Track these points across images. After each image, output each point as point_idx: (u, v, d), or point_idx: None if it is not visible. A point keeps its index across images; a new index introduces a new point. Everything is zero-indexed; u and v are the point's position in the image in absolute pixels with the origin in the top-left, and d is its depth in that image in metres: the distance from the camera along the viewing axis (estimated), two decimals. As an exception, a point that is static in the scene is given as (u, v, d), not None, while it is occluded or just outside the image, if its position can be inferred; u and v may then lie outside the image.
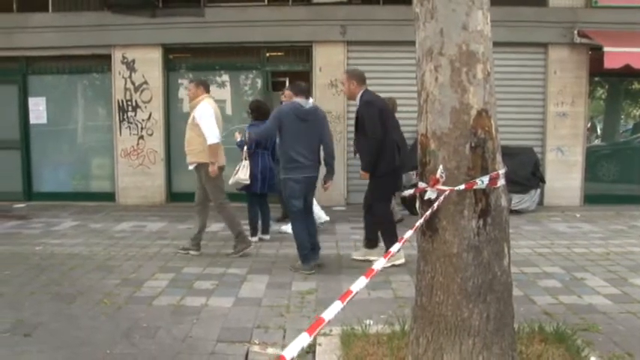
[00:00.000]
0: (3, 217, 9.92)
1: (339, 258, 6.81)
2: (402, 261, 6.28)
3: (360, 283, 2.16)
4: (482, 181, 3.03)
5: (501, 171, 3.13)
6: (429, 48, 3.13)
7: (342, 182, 10.80)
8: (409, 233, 2.84)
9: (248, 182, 7.17)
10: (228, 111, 11.50)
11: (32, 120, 11.52)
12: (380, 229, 6.50)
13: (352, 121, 10.61)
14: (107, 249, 7.20)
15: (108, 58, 11.15)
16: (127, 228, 8.77)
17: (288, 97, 7.07)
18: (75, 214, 9.81)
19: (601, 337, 4.23)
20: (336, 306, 1.98)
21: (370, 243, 6.65)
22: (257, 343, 4.25)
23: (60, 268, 6.43)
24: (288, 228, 8.07)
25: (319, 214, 8.19)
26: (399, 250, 6.20)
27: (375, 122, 6.18)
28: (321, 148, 6.48)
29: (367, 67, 10.69)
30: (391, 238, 6.10)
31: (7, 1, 11.26)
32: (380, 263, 2.35)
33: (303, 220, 6.31)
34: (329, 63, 10.75)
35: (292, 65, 11.43)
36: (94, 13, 10.97)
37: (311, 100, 6.58)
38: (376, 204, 6.46)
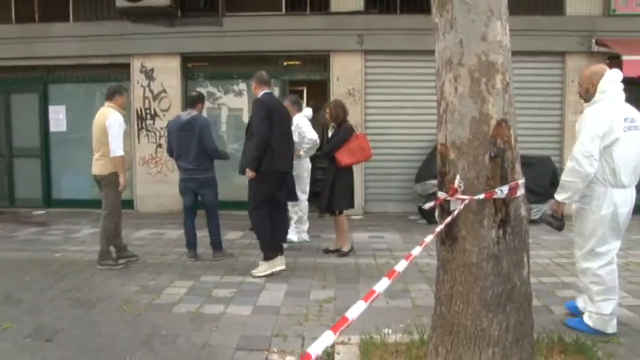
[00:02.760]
0: (23, 223, 10.06)
1: (357, 266, 6.82)
2: (282, 267, 6.46)
3: (382, 284, 2.18)
4: (501, 191, 3.05)
5: (520, 181, 3.15)
6: (449, 58, 3.16)
7: (359, 191, 10.80)
8: (430, 238, 2.86)
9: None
10: (246, 119, 11.57)
11: (52, 128, 11.71)
12: (257, 233, 6.57)
13: (371, 130, 10.77)
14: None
15: (127, 66, 11.30)
16: (146, 235, 8.88)
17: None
18: (94, 221, 9.89)
19: (622, 349, 4.18)
20: (360, 306, 2.00)
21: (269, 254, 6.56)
22: (275, 351, 4.27)
23: (80, 274, 6.51)
24: (293, 236, 8.12)
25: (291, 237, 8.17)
26: (276, 257, 6.39)
27: (261, 120, 6.28)
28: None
29: (384, 77, 10.83)
30: (268, 245, 6.43)
31: (29, 11, 11.48)
32: (402, 265, 2.36)
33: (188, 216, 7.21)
34: (346, 72, 10.80)
35: (310, 74, 11.52)
36: (113, 23, 11.12)
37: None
38: (255, 209, 6.49)
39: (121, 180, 6.80)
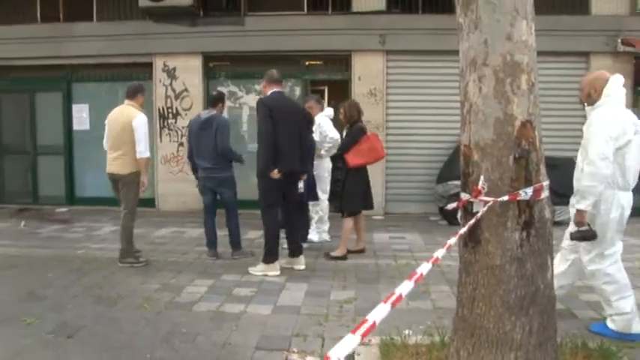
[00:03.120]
0: (46, 220, 10.18)
1: (377, 267, 6.79)
2: (277, 273, 6.42)
3: (406, 287, 2.15)
4: (525, 193, 3.01)
5: (545, 182, 3.11)
6: (473, 58, 3.13)
7: (380, 191, 10.77)
8: (453, 240, 2.83)
9: (302, 191, 7.23)
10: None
11: (75, 126, 11.86)
12: (264, 233, 6.55)
13: (392, 131, 10.74)
14: (147, 254, 7.27)
15: (149, 65, 11.39)
16: (167, 234, 8.95)
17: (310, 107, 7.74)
18: (115, 218, 9.90)
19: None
20: (384, 309, 1.97)
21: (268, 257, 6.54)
22: (295, 351, 4.27)
23: (101, 272, 6.57)
24: (314, 236, 8.12)
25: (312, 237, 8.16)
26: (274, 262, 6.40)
27: (262, 119, 6.28)
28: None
29: (406, 77, 10.79)
30: (271, 248, 6.43)
31: (54, 11, 11.62)
32: (426, 267, 2.34)
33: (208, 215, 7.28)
34: (368, 72, 10.78)
35: (331, 74, 11.51)
36: (136, 22, 11.22)
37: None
38: (264, 209, 6.50)
39: (145, 180, 6.85)
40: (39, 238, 8.73)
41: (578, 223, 4.35)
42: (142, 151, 6.72)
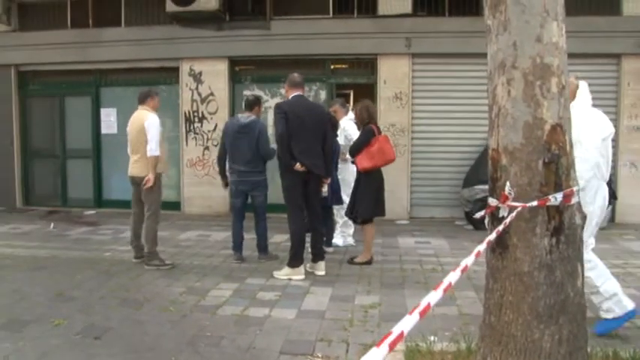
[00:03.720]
0: (75, 223, 10.30)
1: (403, 272, 6.73)
2: (301, 277, 6.37)
3: (434, 296, 2.09)
4: (555, 198, 2.93)
5: (575, 188, 3.03)
6: (502, 61, 3.06)
7: (405, 195, 10.71)
8: (482, 247, 2.76)
9: (326, 194, 7.22)
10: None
11: (103, 130, 12.00)
12: (291, 239, 6.52)
13: (418, 134, 10.66)
14: (172, 257, 7.33)
15: (176, 70, 11.48)
16: (193, 237, 8.97)
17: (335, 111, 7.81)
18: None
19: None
20: (413, 318, 1.92)
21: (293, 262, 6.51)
22: (320, 356, 4.22)
23: (127, 274, 6.61)
24: (338, 240, 8.08)
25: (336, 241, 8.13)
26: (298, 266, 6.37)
27: (277, 121, 6.36)
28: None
29: (433, 80, 10.71)
30: (296, 253, 6.41)
31: (83, 17, 11.77)
32: (455, 276, 2.28)
33: (237, 217, 7.31)
34: (394, 75, 10.73)
35: (357, 77, 11.47)
36: (163, 27, 11.31)
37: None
38: (290, 214, 6.51)
39: (151, 177, 6.85)
40: (68, 240, 8.83)
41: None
42: (152, 149, 6.82)
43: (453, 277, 2.25)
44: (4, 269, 6.89)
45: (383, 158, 6.94)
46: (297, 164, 6.26)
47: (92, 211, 11.72)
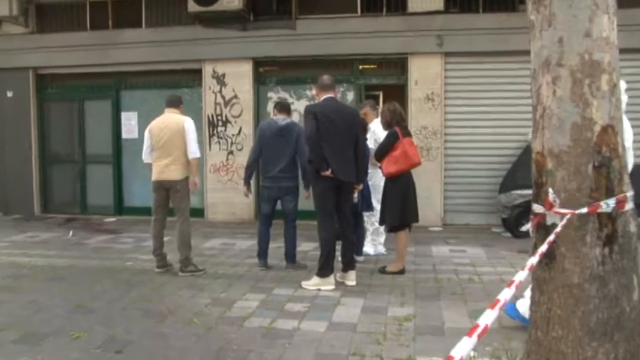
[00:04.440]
0: (95, 231, 10.38)
1: (438, 282, 6.64)
2: (331, 287, 6.32)
3: (490, 316, 2.00)
4: (607, 204, 2.85)
5: (629, 193, 2.94)
6: (546, 58, 2.99)
7: (438, 201, 10.60)
8: (535, 260, 2.67)
9: (357, 201, 7.17)
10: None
11: (124, 134, 12.09)
12: (321, 247, 6.46)
13: (451, 137, 10.56)
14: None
15: (198, 72, 11.53)
16: (217, 245, 8.98)
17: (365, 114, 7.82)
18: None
19: None
20: (466, 343, 1.85)
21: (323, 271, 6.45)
22: (352, 371, 4.18)
23: (149, 284, 6.62)
24: (369, 249, 8.02)
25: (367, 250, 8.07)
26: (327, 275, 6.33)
27: (307, 123, 6.31)
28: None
29: (466, 80, 10.60)
30: (325, 262, 6.35)
31: (103, 18, 11.89)
32: (508, 293, 2.20)
33: (264, 224, 7.31)
34: (425, 76, 10.64)
35: (386, 78, 11.39)
36: (185, 28, 11.37)
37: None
38: (320, 222, 6.45)
39: (197, 181, 7.15)
40: (87, 248, 8.89)
41: None
42: (195, 151, 7.01)
43: (506, 293, 2.16)
44: (21, 279, 6.94)
45: (407, 162, 6.87)
46: (328, 171, 6.22)
47: (112, 219, 11.82)
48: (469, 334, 1.90)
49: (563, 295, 2.93)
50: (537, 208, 3.06)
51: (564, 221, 2.85)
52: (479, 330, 1.90)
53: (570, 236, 2.90)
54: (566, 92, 2.92)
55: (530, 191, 8.00)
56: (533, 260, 2.63)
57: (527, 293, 4.51)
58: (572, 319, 2.89)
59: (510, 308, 4.86)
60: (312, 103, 10.42)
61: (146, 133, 7.26)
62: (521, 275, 2.39)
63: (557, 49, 2.94)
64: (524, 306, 4.64)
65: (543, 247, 2.86)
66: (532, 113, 3.15)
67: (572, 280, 2.90)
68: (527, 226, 3.18)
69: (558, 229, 2.84)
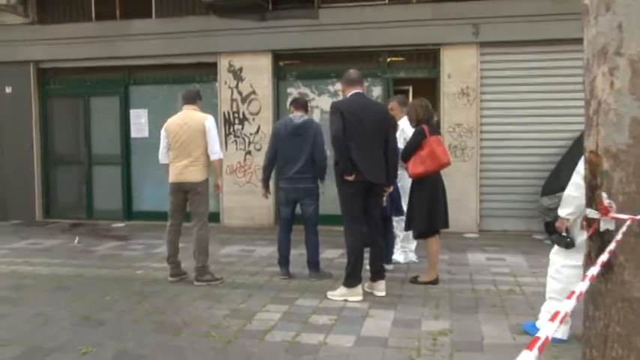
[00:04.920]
0: (102, 237, 10.45)
1: (475, 293, 6.59)
2: (359, 298, 6.30)
3: (550, 328, 1.94)
4: (672, 209, 2.79)
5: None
6: (603, 47, 2.93)
7: (473, 205, 10.53)
8: (595, 270, 2.61)
9: (385, 204, 7.15)
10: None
11: (133, 133, 12.17)
12: (348, 254, 6.44)
13: (488, 135, 10.48)
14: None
15: (213, 66, 11.58)
16: (234, 252, 9.01)
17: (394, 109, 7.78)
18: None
19: None
20: (532, 355, 1.80)
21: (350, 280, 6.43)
22: (385, 391, 4.15)
23: (163, 294, 6.65)
24: (399, 257, 7.98)
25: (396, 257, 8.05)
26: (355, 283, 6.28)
27: (332, 121, 6.30)
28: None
29: (504, 72, 10.53)
30: (352, 270, 6.34)
31: (109, 8, 11.99)
32: (569, 304, 2.14)
33: (284, 229, 7.35)
34: (459, 68, 10.59)
35: (416, 72, 11.38)
36: (198, 18, 11.43)
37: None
38: (347, 227, 6.45)
39: (220, 182, 7.33)
40: (94, 256, 8.95)
41: (558, 228, 4.90)
42: (217, 151, 7.11)
43: (568, 305, 2.11)
44: (23, 290, 7.00)
45: (435, 162, 6.82)
46: (352, 175, 6.19)
47: (121, 224, 11.91)
48: (529, 346, 1.86)
49: (622, 311, 2.87)
50: (591, 213, 3.00)
51: (624, 228, 2.79)
52: (539, 343, 1.85)
53: (630, 244, 2.84)
54: (624, 84, 2.86)
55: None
56: (594, 271, 2.57)
57: (545, 307, 4.99)
58: (633, 337, 2.82)
59: (531, 326, 5.08)
60: (336, 99, 10.52)
61: (162, 132, 7.28)
62: (583, 286, 2.34)
63: (616, 36, 2.88)
64: (541, 321, 4.89)
65: (604, 257, 2.80)
66: (585, 108, 3.09)
67: (633, 294, 2.83)
68: (583, 238, 3.12)
69: (619, 237, 2.78)
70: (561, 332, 4.82)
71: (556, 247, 4.99)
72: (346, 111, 6.25)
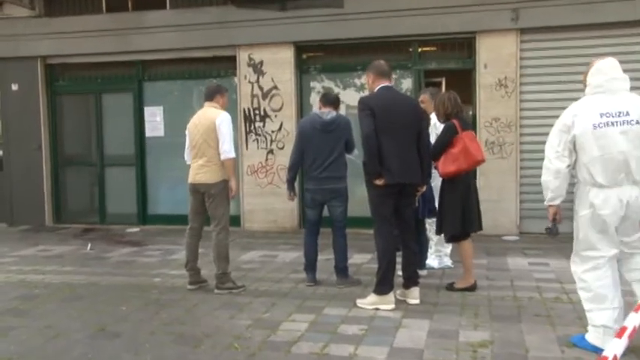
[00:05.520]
0: (116, 243, 10.54)
1: (517, 301, 6.52)
2: (391, 306, 6.26)
3: (618, 346, 1.90)
4: None
5: None
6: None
7: (513, 206, 10.44)
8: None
9: (416, 204, 7.15)
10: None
11: (148, 132, 12.24)
12: (378, 259, 6.42)
13: (528, 130, 10.38)
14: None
15: (232, 59, 11.63)
16: (256, 258, 9.04)
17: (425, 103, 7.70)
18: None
19: None
20: None
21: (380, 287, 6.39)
22: (422, 406, 4.13)
23: (182, 303, 6.67)
24: (433, 261, 7.97)
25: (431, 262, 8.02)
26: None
27: (362, 118, 6.28)
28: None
29: (547, 61, 10.46)
30: (383, 276, 6.30)
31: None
32: (636, 318, 2.11)
33: (310, 232, 7.39)
34: (497, 58, 10.49)
35: (450, 62, 11.32)
36: (216, 9, 11.48)
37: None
38: (376, 229, 6.44)
39: (234, 185, 7.17)
40: (108, 263, 9.03)
41: (549, 217, 5.21)
42: (227, 150, 7.01)
43: (635, 319, 2.06)
44: (33, 300, 7.04)
45: (469, 160, 6.77)
46: (381, 180, 6.18)
47: (136, 229, 11.98)
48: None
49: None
50: None
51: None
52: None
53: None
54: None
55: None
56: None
57: (594, 321, 4.92)
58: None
59: (580, 339, 5.06)
60: (362, 93, 10.50)
61: (187, 131, 7.36)
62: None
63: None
64: (590, 334, 4.93)
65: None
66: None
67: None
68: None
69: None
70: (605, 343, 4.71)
71: (572, 256, 5.15)
72: (376, 107, 6.23)
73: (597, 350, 4.67)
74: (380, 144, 6.15)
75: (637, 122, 4.72)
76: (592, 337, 4.89)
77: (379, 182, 6.18)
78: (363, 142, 6.26)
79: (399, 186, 6.28)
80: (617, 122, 4.74)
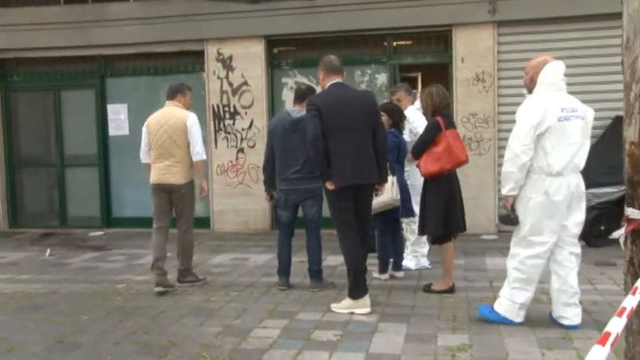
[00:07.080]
0: (78, 247, 10.41)
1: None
2: (367, 310, 6.26)
3: (599, 353, 1.86)
4: None
5: None
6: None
7: (491, 203, 10.49)
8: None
9: (399, 204, 7.17)
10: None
11: (112, 131, 12.14)
12: (346, 262, 6.43)
13: (506, 125, 10.40)
14: (203, 287, 7.34)
15: (200, 54, 11.58)
16: (226, 261, 9.00)
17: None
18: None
19: None
20: None
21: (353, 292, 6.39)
22: (400, 416, 4.11)
23: (147, 311, 6.59)
24: (409, 262, 8.00)
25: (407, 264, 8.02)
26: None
27: (309, 120, 6.27)
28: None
29: (525, 55, 10.37)
30: (354, 280, 6.29)
31: (81, -11, 11.88)
32: (618, 323, 2.09)
33: (284, 235, 7.38)
34: (474, 51, 10.56)
35: (426, 56, 11.36)
36: (183, 1, 11.41)
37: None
38: (338, 233, 6.44)
39: (205, 185, 7.48)
40: (69, 270, 8.90)
41: (504, 206, 5.75)
42: (200, 152, 7.25)
43: (617, 325, 2.04)
44: (-16, 312, 6.94)
45: (452, 160, 6.76)
46: (331, 183, 6.16)
47: (99, 232, 11.86)
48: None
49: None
50: (633, 213, 2.95)
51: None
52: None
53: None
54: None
55: (607, 189, 8.15)
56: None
57: (505, 294, 5.73)
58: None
59: (489, 310, 5.83)
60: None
61: (144, 129, 7.37)
62: (633, 301, 2.26)
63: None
64: (503, 307, 5.71)
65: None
66: (624, 94, 3.05)
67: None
68: (620, 232, 3.08)
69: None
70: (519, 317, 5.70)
71: (516, 237, 5.67)
72: (324, 106, 6.16)
73: (506, 322, 5.65)
74: (329, 145, 6.10)
75: (582, 117, 5.49)
76: (506, 310, 5.69)
77: (330, 186, 6.17)
78: (309, 144, 6.23)
79: (354, 187, 6.25)
80: (571, 117, 5.44)
